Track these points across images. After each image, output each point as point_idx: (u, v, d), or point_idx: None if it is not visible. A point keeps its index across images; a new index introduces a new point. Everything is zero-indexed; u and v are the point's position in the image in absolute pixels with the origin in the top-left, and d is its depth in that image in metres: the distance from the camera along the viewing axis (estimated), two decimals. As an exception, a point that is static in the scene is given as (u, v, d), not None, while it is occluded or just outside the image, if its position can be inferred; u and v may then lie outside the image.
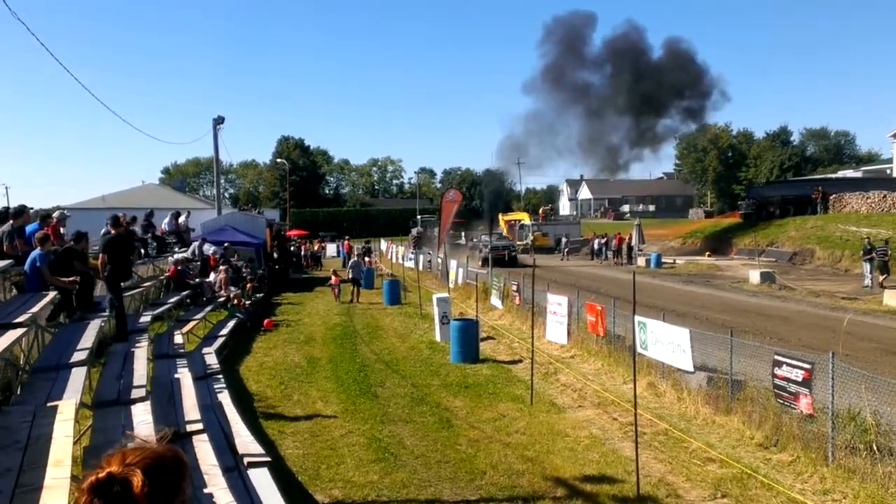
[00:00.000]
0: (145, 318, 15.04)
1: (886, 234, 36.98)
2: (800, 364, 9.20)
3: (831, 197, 47.48)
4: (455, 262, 29.88)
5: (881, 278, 27.18)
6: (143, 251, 21.61)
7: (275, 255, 33.79)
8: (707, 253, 48.18)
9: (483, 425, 11.05)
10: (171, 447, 1.96)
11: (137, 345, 11.81)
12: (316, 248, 53.03)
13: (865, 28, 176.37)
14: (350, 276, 28.43)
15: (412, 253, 42.09)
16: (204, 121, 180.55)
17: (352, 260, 30.05)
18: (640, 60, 54.59)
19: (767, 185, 60.16)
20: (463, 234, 64.34)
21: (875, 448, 8.22)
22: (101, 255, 12.41)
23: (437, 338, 18.59)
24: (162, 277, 20.92)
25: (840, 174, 78.55)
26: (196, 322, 17.77)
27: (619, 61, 55.03)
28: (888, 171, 68.88)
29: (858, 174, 74.21)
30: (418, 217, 70.16)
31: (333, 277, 28.43)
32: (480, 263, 39.36)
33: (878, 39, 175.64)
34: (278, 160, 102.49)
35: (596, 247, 52.11)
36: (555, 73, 55.94)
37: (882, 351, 16.35)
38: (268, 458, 7.45)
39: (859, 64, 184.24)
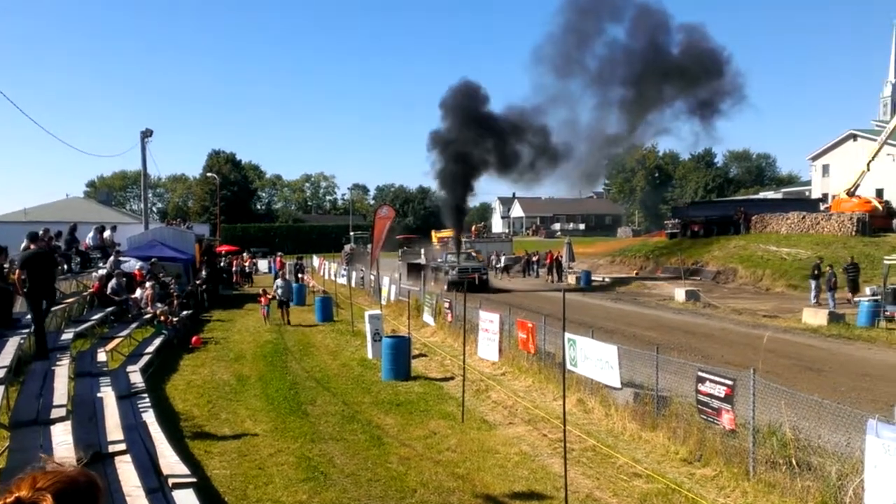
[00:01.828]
0: (67, 336, 14.62)
1: (805, 254, 38.39)
2: (722, 380, 9.45)
3: (753, 218, 49.04)
4: (388, 278, 29.82)
5: (850, 296, 28.05)
6: (66, 266, 21.01)
7: (204, 273, 33.04)
8: (635, 272, 49.15)
9: (414, 443, 11.04)
10: (85, 471, 1.90)
11: (58, 363, 11.49)
12: (247, 263, 52.22)
13: (785, 57, 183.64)
14: (278, 296, 26.35)
15: (345, 269, 41.62)
16: (132, 133, 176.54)
17: (278, 280, 27.81)
18: (656, 40, 45.37)
19: (692, 206, 61.87)
20: (422, 251, 54.78)
21: (794, 463, 8.46)
22: (17, 270, 12.03)
23: (369, 355, 18.50)
24: (86, 294, 20.36)
25: (761, 195, 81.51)
26: (121, 339, 17.31)
27: (637, 37, 45.81)
28: (807, 193, 71.67)
29: (779, 196, 77.09)
30: (351, 233, 69.43)
31: (262, 297, 26.68)
32: (445, 288, 34.13)
33: (798, 69, 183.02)
34: (209, 174, 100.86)
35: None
36: (569, 45, 45.90)
37: (801, 367, 16.92)
38: (193, 479, 7.31)
39: (779, 90, 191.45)
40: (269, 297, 26.57)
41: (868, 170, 47.38)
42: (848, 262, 29.79)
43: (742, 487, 8.60)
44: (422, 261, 49.17)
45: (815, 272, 29.61)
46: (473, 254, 47.65)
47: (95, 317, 18.47)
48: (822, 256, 32.28)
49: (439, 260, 44.47)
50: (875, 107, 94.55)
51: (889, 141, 48.14)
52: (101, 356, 14.34)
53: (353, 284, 32.97)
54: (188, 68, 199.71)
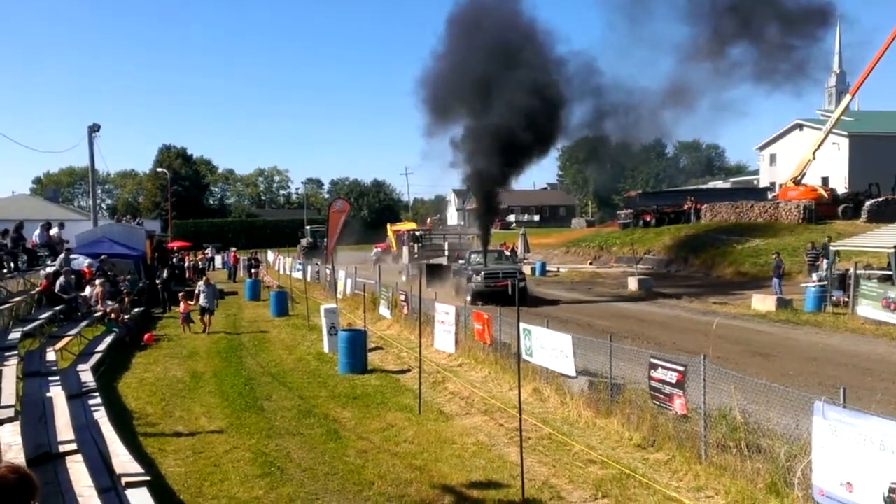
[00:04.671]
0: (14, 335, 14.32)
1: (754, 242, 39.21)
2: (674, 367, 9.60)
3: (703, 207, 49.87)
4: (343, 272, 29.69)
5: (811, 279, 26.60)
6: (12, 264, 20.57)
7: (165, 273, 32.26)
8: (589, 261, 49.69)
9: (371, 436, 11.04)
10: (16, 468, 1.87)
11: (6, 363, 11.25)
12: (199, 258, 51.52)
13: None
14: (201, 302, 22.86)
15: (300, 264, 41.05)
16: (79, 128, 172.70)
17: (200, 284, 23.95)
18: None
19: (644, 196, 62.66)
20: (446, 243, 43.71)
21: (744, 445, 8.63)
22: None
23: (326, 349, 18.42)
24: (33, 292, 19.94)
25: (711, 185, 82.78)
26: (70, 338, 17.01)
27: None
28: (755, 182, 73.11)
29: (728, 185, 78.50)
30: (307, 227, 68.43)
31: (182, 304, 23.26)
32: (469, 299, 26.37)
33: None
34: (159, 169, 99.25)
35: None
36: None
37: (750, 353, 17.27)
38: (147, 478, 7.22)
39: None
40: (190, 306, 23.19)
41: (814, 158, 48.43)
42: (809, 247, 30.33)
43: (694, 471, 8.76)
44: (443, 259, 39.16)
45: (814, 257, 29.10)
46: (507, 252, 36.22)
47: (44, 315, 18.11)
48: (813, 241, 31.50)
49: (461, 262, 33.13)
50: (821, 96, 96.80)
51: (834, 130, 49.28)
52: (51, 355, 14.08)
53: (308, 279, 32.76)
54: (136, 62, 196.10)
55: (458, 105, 34.18)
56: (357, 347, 16.17)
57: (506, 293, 25.96)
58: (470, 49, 32.45)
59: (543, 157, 38.61)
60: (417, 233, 49.29)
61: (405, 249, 45.06)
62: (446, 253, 40.81)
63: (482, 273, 28.57)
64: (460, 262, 33.47)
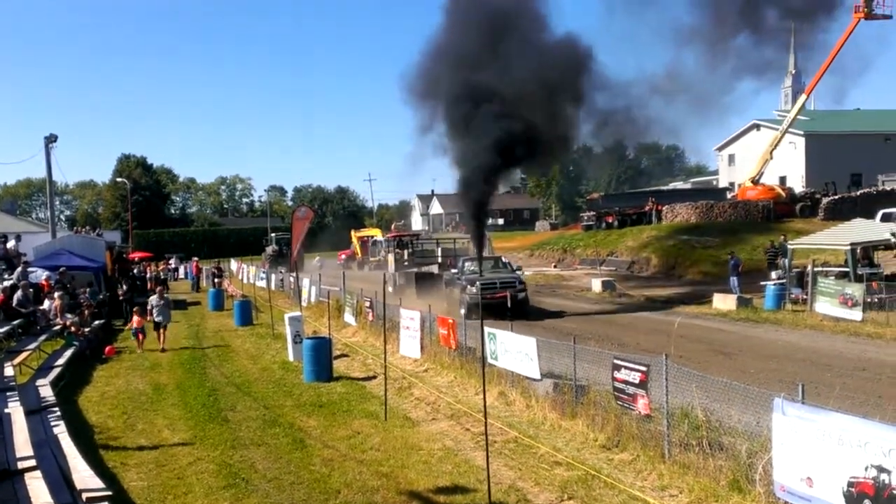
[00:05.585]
0: (-30, 351, 14.03)
1: (714, 241, 39.74)
2: (636, 367, 9.70)
3: (664, 208, 50.40)
4: (308, 280, 29.52)
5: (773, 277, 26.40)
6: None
7: (125, 285, 31.75)
8: (553, 264, 49.94)
9: (337, 444, 10.99)
10: None
11: (-39, 380, 11.01)
12: (160, 269, 50.85)
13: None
14: (154, 317, 21.59)
15: (264, 272, 40.59)
16: (35, 139, 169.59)
17: (153, 298, 22.41)
18: None
19: (606, 198, 63.10)
20: (440, 248, 40.41)
21: (706, 444, 8.72)
22: None
23: (290, 357, 18.31)
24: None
25: (671, 186, 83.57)
26: (29, 353, 16.70)
27: None
28: (714, 182, 74.06)
29: (688, 186, 79.41)
30: (272, 235, 67.32)
31: (135, 319, 21.61)
32: (463, 312, 23.71)
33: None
34: (119, 179, 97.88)
35: None
36: None
37: (712, 351, 17.49)
38: (108, 493, 7.12)
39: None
40: (144, 320, 21.70)
41: (771, 158, 49.23)
42: (768, 246, 30.87)
43: (658, 470, 8.85)
44: (433, 267, 35.11)
45: (773, 255, 29.09)
46: (504, 260, 31.21)
47: (1, 330, 17.76)
48: (772, 240, 31.97)
49: (454, 272, 29.15)
50: (777, 97, 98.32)
51: (790, 130, 50.14)
52: (8, 370, 13.83)
53: (272, 287, 32.53)
54: (93, 71, 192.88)
55: (450, 97, 29.64)
56: (322, 355, 16.09)
57: (504, 305, 23.30)
58: (465, 32, 29.17)
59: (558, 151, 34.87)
60: (406, 238, 45.65)
61: (391, 256, 41.22)
62: (439, 260, 37.13)
63: (477, 283, 25.26)
64: (452, 270, 29.89)
